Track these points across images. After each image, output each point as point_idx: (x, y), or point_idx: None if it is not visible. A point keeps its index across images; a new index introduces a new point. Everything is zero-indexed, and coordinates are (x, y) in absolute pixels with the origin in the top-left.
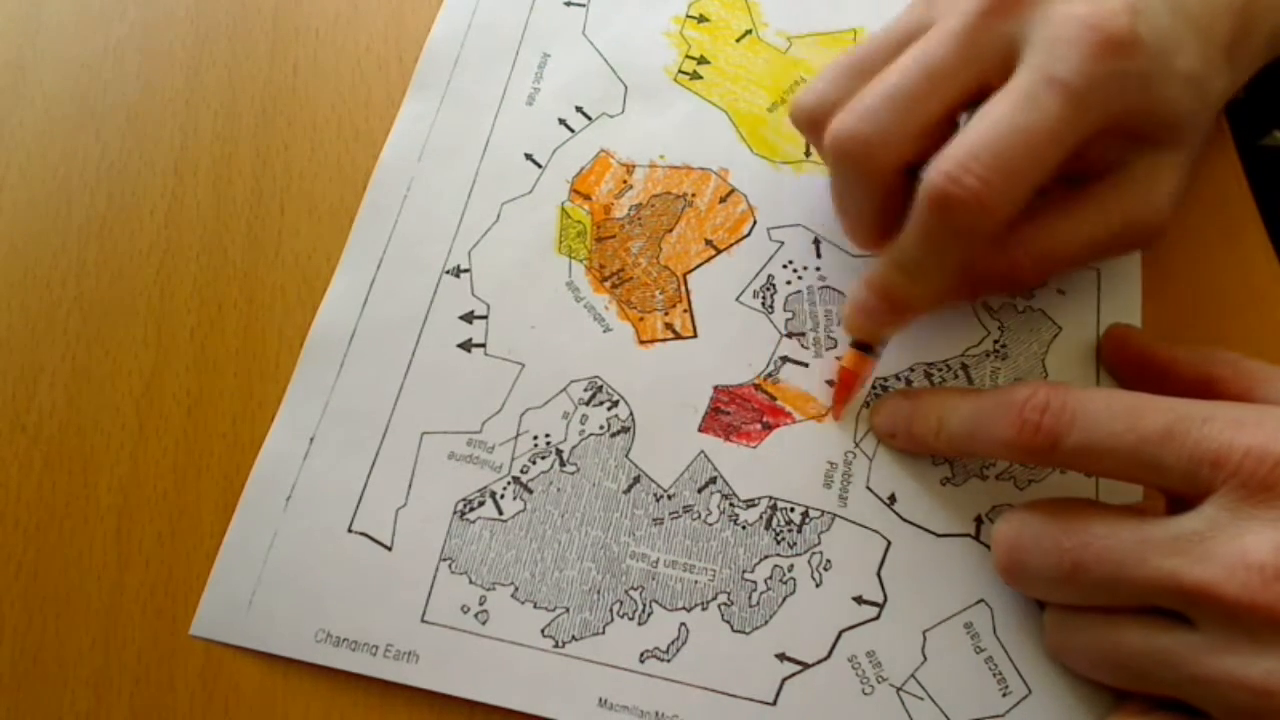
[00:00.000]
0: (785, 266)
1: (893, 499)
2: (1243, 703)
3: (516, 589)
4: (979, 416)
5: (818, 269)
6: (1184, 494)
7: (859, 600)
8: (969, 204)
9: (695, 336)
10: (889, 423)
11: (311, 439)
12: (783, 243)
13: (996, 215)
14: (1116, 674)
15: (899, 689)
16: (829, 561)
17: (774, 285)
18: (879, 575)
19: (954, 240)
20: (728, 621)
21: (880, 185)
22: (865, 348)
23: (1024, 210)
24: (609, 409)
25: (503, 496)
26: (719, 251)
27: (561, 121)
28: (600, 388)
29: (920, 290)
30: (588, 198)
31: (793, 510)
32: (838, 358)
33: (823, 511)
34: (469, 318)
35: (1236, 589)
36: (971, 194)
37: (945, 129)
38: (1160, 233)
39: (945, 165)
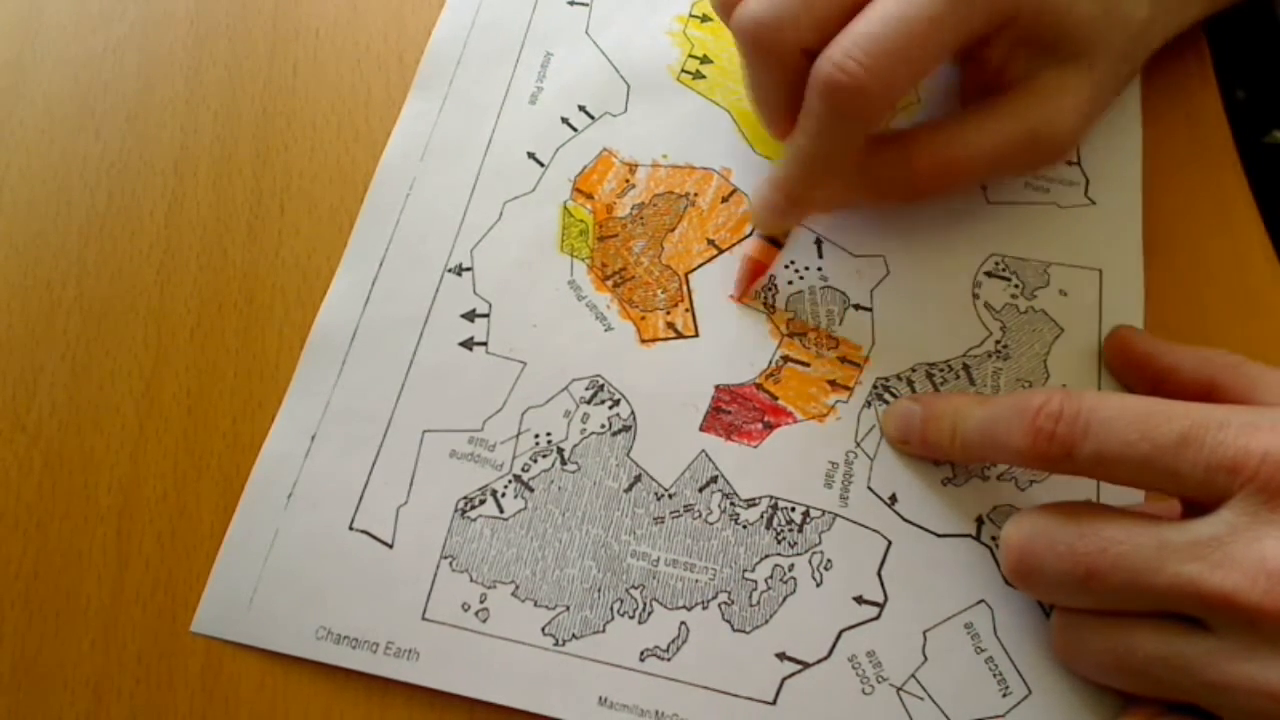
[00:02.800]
0: (787, 266)
1: (894, 499)
2: (1261, 708)
3: (517, 587)
4: (992, 424)
5: (819, 269)
6: (1201, 500)
7: (859, 600)
8: (851, 89)
9: (697, 336)
10: (902, 429)
11: (313, 437)
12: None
13: (878, 100)
14: (1128, 679)
15: (899, 689)
16: (829, 561)
17: (775, 285)
18: (879, 575)
19: (840, 127)
20: (728, 621)
21: (781, 69)
22: (773, 240)
23: (930, 120)
24: (610, 408)
25: (504, 495)
26: (721, 251)
27: (564, 120)
28: (602, 386)
29: (815, 183)
30: (590, 196)
31: (793, 510)
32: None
33: (823, 511)
34: (471, 316)
35: (1259, 596)
36: (853, 79)
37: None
38: (1061, 149)
39: (830, 52)
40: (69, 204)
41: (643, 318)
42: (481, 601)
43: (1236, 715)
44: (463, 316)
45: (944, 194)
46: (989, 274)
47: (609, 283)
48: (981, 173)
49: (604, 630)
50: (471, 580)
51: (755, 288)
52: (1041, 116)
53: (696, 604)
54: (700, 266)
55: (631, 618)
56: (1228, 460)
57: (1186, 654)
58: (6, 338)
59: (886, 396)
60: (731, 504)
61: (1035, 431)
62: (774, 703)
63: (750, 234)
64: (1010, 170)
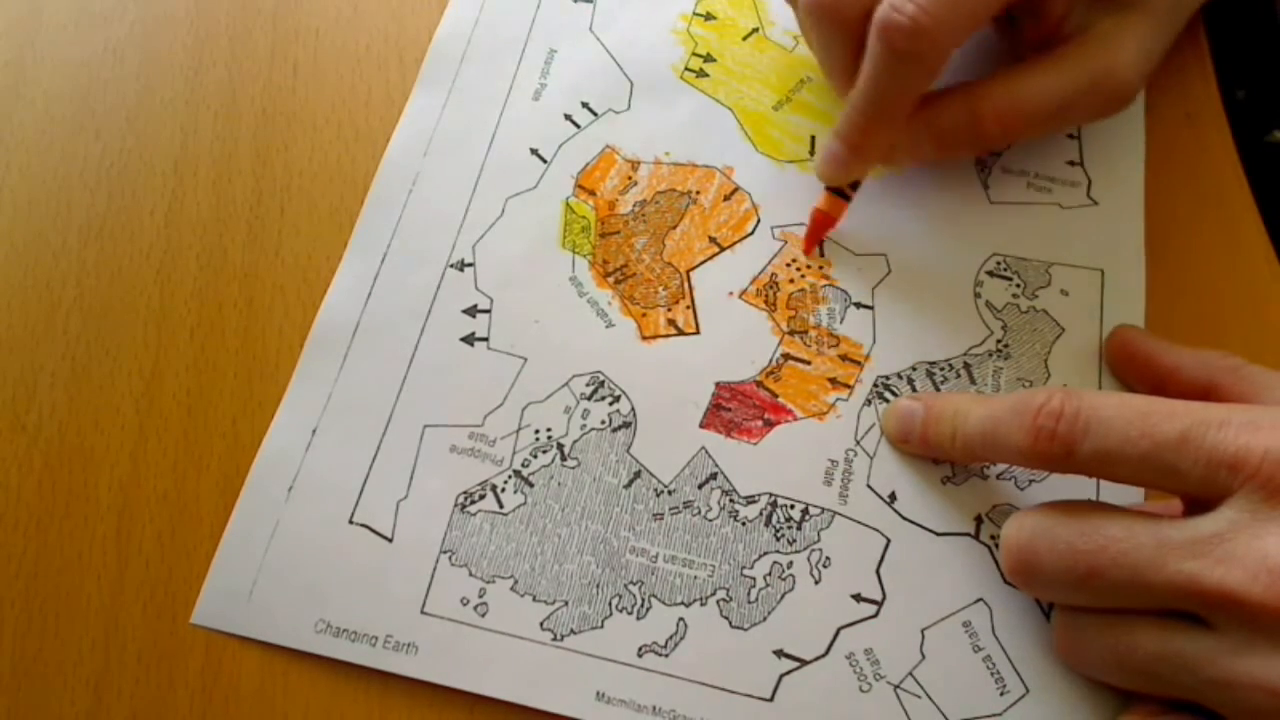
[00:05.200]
0: (789, 265)
1: (893, 497)
2: (1263, 704)
3: (516, 582)
4: (993, 423)
5: (820, 268)
6: (1201, 497)
7: (858, 598)
8: (910, 30)
9: (698, 333)
10: (902, 429)
11: (314, 431)
12: (786, 241)
13: (935, 42)
14: (1129, 676)
15: (896, 687)
16: (828, 559)
17: (777, 283)
18: (878, 573)
19: (898, 70)
20: (726, 617)
21: (848, 35)
22: (839, 192)
23: (993, 70)
24: (611, 404)
25: (503, 490)
26: (722, 249)
27: (567, 117)
28: (602, 383)
29: (875, 130)
30: (592, 193)
31: (793, 507)
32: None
33: (823, 509)
34: (472, 311)
35: (1260, 592)
36: (912, 20)
37: None
38: (1124, 94)
39: None
40: (69, 204)
41: (644, 314)
42: (480, 596)
43: (1238, 712)
44: (464, 312)
45: (1008, 145)
46: (990, 273)
47: (610, 279)
48: (1047, 121)
49: (602, 626)
50: (471, 575)
51: (822, 239)
52: (1105, 62)
53: (695, 600)
54: (702, 264)
55: (630, 613)
56: (1228, 457)
57: (1187, 651)
58: (6, 338)
59: (887, 395)
60: (731, 501)
61: (1036, 431)
62: (771, 699)
63: (754, 231)
64: (1075, 119)
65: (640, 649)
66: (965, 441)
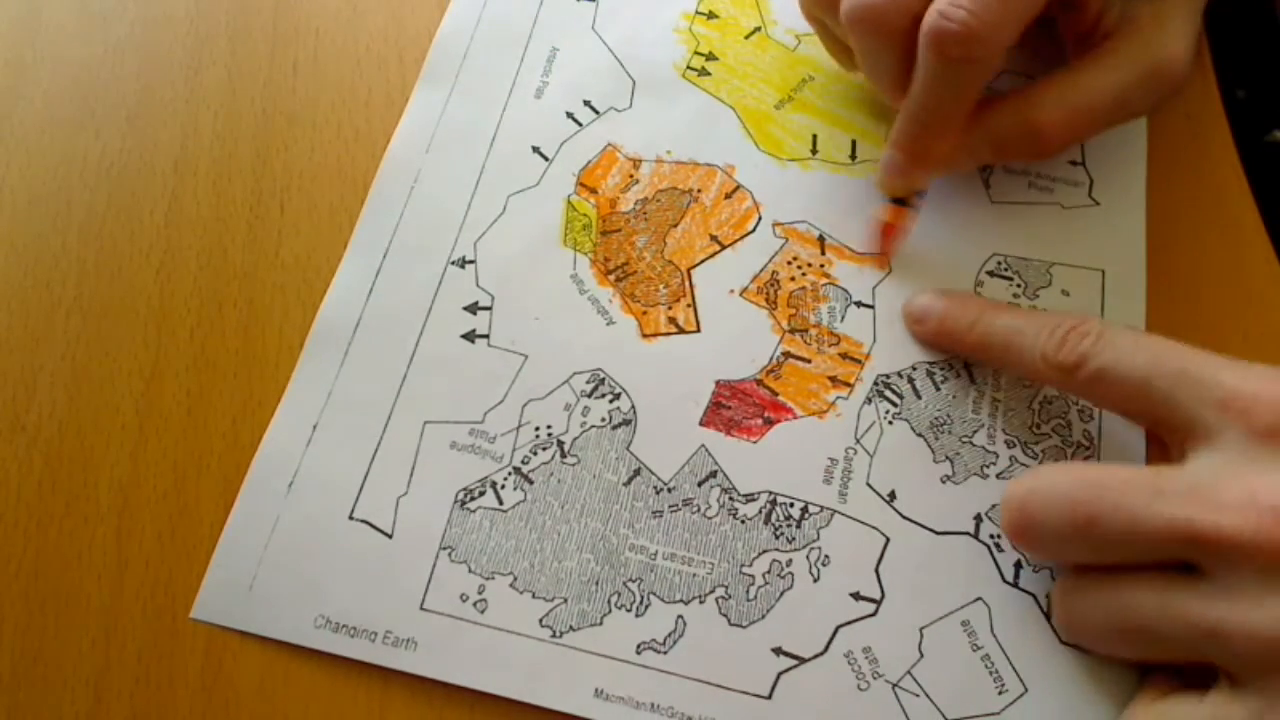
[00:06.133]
0: (790, 263)
1: (892, 496)
2: (1256, 651)
3: (515, 579)
4: (1019, 327)
5: (822, 266)
6: (1192, 439)
7: (856, 596)
8: (959, 35)
9: (698, 331)
10: (923, 310)
11: (315, 426)
12: (787, 239)
13: (985, 44)
14: (1131, 642)
15: (895, 685)
16: (827, 557)
17: (778, 282)
18: (877, 572)
19: (951, 75)
20: (725, 615)
21: (896, 44)
22: (901, 201)
23: (1044, 75)
24: (611, 401)
25: (503, 487)
26: (724, 247)
27: (569, 115)
28: (603, 380)
29: (932, 138)
30: (594, 191)
31: (792, 505)
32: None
33: (822, 507)
34: (473, 309)
35: (1251, 530)
36: (961, 24)
37: None
38: (1181, 76)
39: (937, 4)
40: (69, 204)
41: (644, 312)
42: (480, 592)
43: (1235, 661)
44: (465, 309)
45: (1068, 147)
46: (991, 273)
47: (611, 277)
48: (1108, 118)
49: (601, 623)
50: (470, 571)
51: (893, 250)
52: (1157, 49)
53: (694, 598)
54: (703, 262)
55: (629, 611)
56: (1221, 395)
57: (1181, 602)
58: (6, 338)
59: (887, 394)
60: (730, 499)
61: (1061, 340)
62: (769, 697)
63: (755, 229)
64: (1133, 110)
65: (639, 646)
66: (984, 334)
